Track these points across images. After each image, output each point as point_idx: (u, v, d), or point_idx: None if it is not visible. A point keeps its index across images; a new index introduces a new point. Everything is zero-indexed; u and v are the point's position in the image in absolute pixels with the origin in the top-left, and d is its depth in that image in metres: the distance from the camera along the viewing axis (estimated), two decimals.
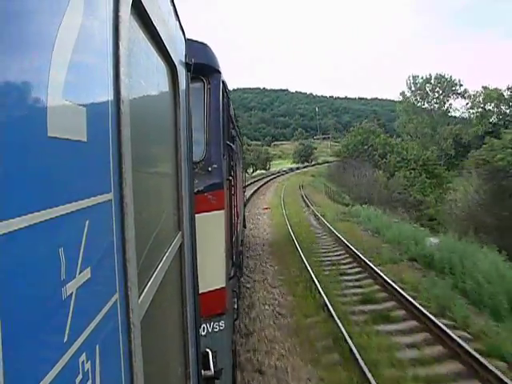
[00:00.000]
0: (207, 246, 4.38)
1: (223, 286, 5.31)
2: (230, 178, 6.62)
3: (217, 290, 5.19)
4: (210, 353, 3.78)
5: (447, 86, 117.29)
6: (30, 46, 0.80)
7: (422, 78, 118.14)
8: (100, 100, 1.21)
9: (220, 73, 5.62)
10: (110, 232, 1.23)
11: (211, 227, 5.03)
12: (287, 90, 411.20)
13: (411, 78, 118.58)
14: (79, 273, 0.96)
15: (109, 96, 1.26)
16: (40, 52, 0.84)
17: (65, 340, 0.88)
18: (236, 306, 7.28)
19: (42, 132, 0.83)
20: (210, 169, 5.23)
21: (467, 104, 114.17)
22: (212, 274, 5.02)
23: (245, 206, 21.41)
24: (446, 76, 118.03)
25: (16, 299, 0.71)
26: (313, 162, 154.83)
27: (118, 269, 1.27)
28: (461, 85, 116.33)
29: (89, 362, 1.00)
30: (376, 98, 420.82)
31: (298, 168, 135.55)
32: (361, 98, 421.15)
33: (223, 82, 5.86)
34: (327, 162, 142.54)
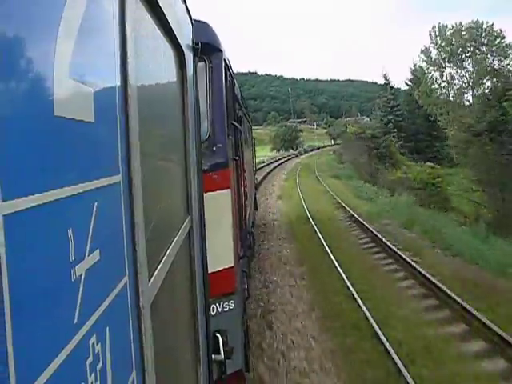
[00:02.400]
0: (214, 226, 4.38)
1: (232, 265, 5.32)
2: (237, 157, 6.60)
3: (226, 269, 5.20)
4: (219, 336, 3.81)
5: (489, 39, 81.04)
6: (36, 26, 0.79)
7: (453, 26, 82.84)
8: (107, 81, 1.20)
9: (222, 52, 5.58)
10: (119, 214, 1.23)
11: (217, 206, 5.02)
12: (256, 72, 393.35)
13: (436, 30, 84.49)
14: (88, 254, 0.97)
15: (116, 77, 1.26)
16: (46, 31, 0.83)
17: (75, 322, 0.89)
18: (246, 286, 7.31)
19: (49, 111, 0.82)
20: (214, 148, 5.21)
21: None
22: (220, 254, 5.03)
23: (256, 188, 21.42)
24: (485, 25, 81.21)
25: (25, 280, 0.71)
26: (299, 149, 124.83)
27: (128, 251, 1.27)
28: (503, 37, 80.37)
29: (99, 344, 1.01)
30: (349, 80, 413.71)
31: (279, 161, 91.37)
32: (332, 80, 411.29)
33: (226, 61, 5.82)
34: (325, 147, 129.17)
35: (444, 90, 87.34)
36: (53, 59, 0.83)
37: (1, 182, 0.65)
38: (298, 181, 45.47)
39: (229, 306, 5.25)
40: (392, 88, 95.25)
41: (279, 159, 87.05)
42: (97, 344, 0.99)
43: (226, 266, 5.22)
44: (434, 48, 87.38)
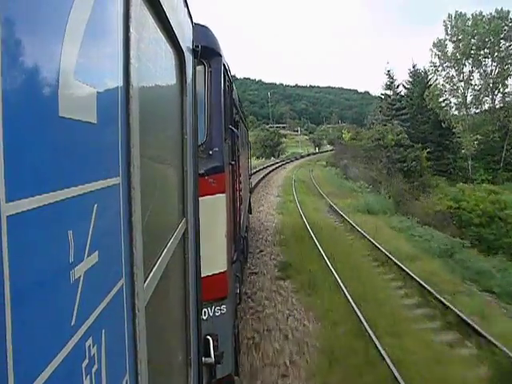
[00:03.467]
0: (208, 230, 4.36)
1: (225, 269, 5.31)
2: (233, 162, 6.60)
3: (218, 273, 5.19)
4: (210, 340, 3.80)
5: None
6: (42, 28, 0.79)
7: (473, 16, 70.31)
8: (110, 83, 1.21)
9: (221, 56, 5.59)
10: (118, 216, 1.23)
11: (212, 211, 5.02)
12: (234, 76, 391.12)
13: (453, 19, 71.78)
14: (87, 256, 0.96)
15: (119, 79, 1.26)
16: (52, 33, 0.84)
17: (72, 323, 0.88)
18: (238, 291, 7.30)
19: (54, 111, 0.82)
20: (210, 152, 5.21)
21: None
22: (213, 258, 5.02)
23: (251, 192, 21.36)
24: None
25: (25, 281, 0.71)
26: (282, 156, 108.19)
27: (125, 253, 1.27)
28: None
29: (95, 346, 1.00)
30: (329, 87, 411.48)
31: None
32: (312, 86, 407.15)
33: (225, 66, 5.83)
34: (309, 155, 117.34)
35: (461, 90, 73.16)
36: (59, 61, 0.83)
37: (5, 183, 0.65)
38: (309, 226, 21.85)
39: (220, 310, 5.24)
40: (397, 87, 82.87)
41: (259, 170, 56.83)
42: (93, 346, 0.99)
43: (219, 271, 5.21)
44: (449, 41, 72.85)
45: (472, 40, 69.91)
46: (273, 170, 65.67)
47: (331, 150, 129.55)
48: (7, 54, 0.66)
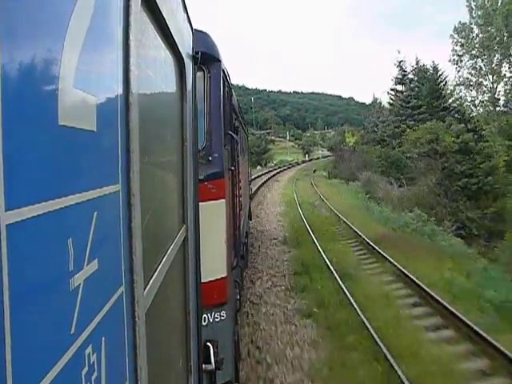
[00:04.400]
0: (208, 236, 4.35)
1: (225, 275, 5.30)
2: (233, 168, 6.61)
3: (218, 279, 5.18)
4: (210, 346, 3.79)
5: None
6: (42, 36, 0.80)
7: None
8: (110, 90, 1.21)
9: (220, 62, 5.59)
10: (117, 224, 1.23)
11: (212, 216, 5.01)
12: None
13: None
14: (87, 264, 0.96)
15: (118, 87, 1.26)
16: (52, 42, 0.84)
17: (72, 332, 0.88)
18: (239, 297, 7.29)
19: (53, 120, 0.82)
20: (210, 158, 5.21)
21: None
22: (213, 264, 5.01)
23: (251, 198, 21.35)
24: None
25: (25, 289, 0.71)
26: (270, 164, 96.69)
27: (125, 261, 1.27)
28: None
29: (94, 354, 1.00)
30: (313, 92, 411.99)
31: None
32: (296, 92, 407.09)
33: (224, 71, 5.84)
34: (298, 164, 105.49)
35: (489, 84, 58.69)
36: (59, 69, 0.84)
37: (4, 192, 0.65)
38: None
39: (220, 316, 5.23)
40: (411, 82, 65.92)
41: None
42: (92, 354, 0.99)
43: (219, 277, 5.20)
44: (474, 25, 59.18)
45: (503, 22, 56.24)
46: (263, 183, 48.30)
47: (326, 157, 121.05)
48: (7, 62, 0.66)
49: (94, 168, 1.07)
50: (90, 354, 0.97)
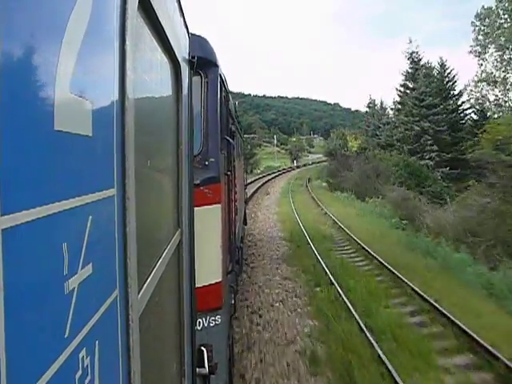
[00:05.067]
0: (203, 240, 4.35)
1: (219, 280, 5.31)
2: (229, 172, 6.61)
3: (213, 284, 5.18)
4: (204, 350, 3.79)
5: None
6: (38, 40, 0.80)
7: None
8: (106, 95, 1.21)
9: (218, 66, 5.61)
10: (113, 228, 1.23)
11: (207, 221, 5.01)
12: None
13: None
14: (81, 268, 0.96)
15: (114, 91, 1.26)
16: (48, 46, 0.84)
17: (66, 335, 0.88)
18: (233, 302, 7.28)
19: (49, 125, 0.83)
20: (206, 163, 5.22)
21: None
22: (208, 268, 5.01)
23: (246, 203, 21.25)
24: None
25: (19, 293, 0.71)
26: (256, 171, 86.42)
27: (119, 265, 1.27)
28: None
29: (88, 357, 1.00)
30: (297, 97, 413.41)
31: None
32: (281, 97, 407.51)
33: (221, 76, 5.85)
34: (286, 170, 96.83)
35: None
36: (54, 74, 0.84)
37: (0, 197, 0.65)
38: None
39: (215, 321, 5.22)
40: (425, 77, 57.78)
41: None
42: (86, 358, 0.99)
43: (214, 281, 5.20)
44: (501, 9, 47.44)
45: None
46: (249, 197, 35.65)
47: (317, 163, 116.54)
48: (3, 66, 0.67)
49: (90, 173, 1.07)
50: (83, 357, 0.97)
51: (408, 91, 62.23)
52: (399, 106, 64.50)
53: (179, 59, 2.59)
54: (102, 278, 1.14)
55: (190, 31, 3.35)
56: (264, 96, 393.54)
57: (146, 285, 1.69)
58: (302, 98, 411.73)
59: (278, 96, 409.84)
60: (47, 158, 0.83)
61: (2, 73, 0.66)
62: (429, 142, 54.01)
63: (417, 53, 62.45)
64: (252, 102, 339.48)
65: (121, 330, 1.29)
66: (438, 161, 52.80)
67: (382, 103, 79.57)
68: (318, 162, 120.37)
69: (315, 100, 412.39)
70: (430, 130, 53.93)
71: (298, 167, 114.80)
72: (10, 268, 0.67)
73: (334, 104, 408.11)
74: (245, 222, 18.44)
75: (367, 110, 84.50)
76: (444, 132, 54.17)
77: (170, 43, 2.21)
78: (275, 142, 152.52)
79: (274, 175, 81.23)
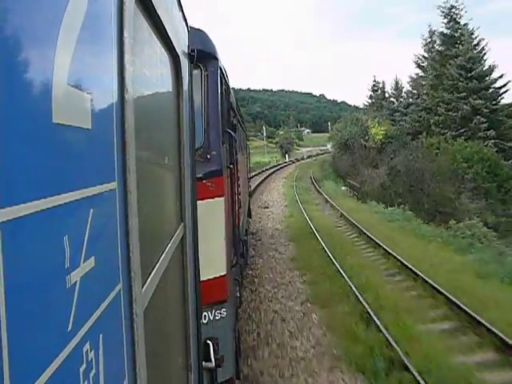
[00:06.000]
0: (207, 234, 4.35)
1: (224, 273, 5.32)
2: (231, 165, 6.61)
3: (218, 277, 5.19)
4: (210, 344, 3.80)
5: None
6: (35, 33, 0.79)
7: None
8: (105, 88, 1.21)
9: (217, 59, 5.60)
10: (114, 221, 1.23)
11: (211, 214, 5.01)
12: None
13: None
14: (83, 261, 0.96)
15: (113, 84, 1.26)
16: (45, 38, 0.84)
17: (69, 329, 0.88)
18: (238, 295, 7.30)
19: (47, 118, 0.82)
20: (208, 156, 5.22)
21: None
22: (213, 262, 5.02)
23: (250, 196, 21.28)
24: None
25: (21, 287, 0.71)
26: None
27: (122, 258, 1.27)
28: None
29: (92, 351, 1.00)
30: (282, 90, 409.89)
31: None
32: (265, 90, 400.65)
33: (221, 69, 5.84)
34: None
35: None
36: (52, 66, 0.83)
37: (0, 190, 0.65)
38: None
39: (220, 314, 5.24)
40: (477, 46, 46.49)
41: None
42: (90, 351, 0.99)
43: (219, 274, 5.21)
44: None
45: None
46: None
47: (316, 156, 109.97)
48: (1, 61, 0.66)
49: (90, 166, 1.07)
50: (87, 351, 0.97)
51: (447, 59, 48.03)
52: (434, 81, 50.21)
53: (179, 52, 2.58)
54: (105, 272, 1.14)
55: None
56: (248, 89, 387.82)
57: (149, 279, 1.70)
58: (287, 91, 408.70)
59: (263, 89, 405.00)
60: (46, 151, 0.82)
61: None
62: (482, 126, 40.56)
63: (457, 8, 50.53)
64: (237, 95, 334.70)
65: (125, 323, 1.29)
66: (496, 151, 39.11)
67: (397, 83, 68.33)
68: (313, 156, 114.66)
69: (300, 92, 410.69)
70: (484, 110, 39.48)
71: (296, 160, 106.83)
72: (11, 262, 0.67)
73: (320, 95, 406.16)
74: (249, 215, 18.45)
75: (371, 93, 75.57)
76: (504, 111, 40.14)
77: (169, 36, 2.20)
78: (264, 134, 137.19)
79: (266, 174, 62.58)
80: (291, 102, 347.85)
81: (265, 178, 54.82)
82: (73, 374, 0.90)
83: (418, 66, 59.61)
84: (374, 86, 75.53)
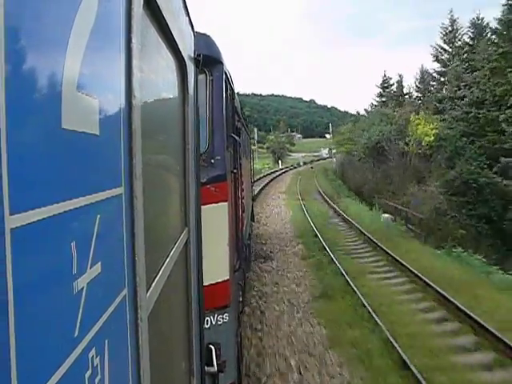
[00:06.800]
0: (211, 238, 4.34)
1: (227, 278, 5.30)
2: (235, 170, 6.60)
3: (221, 282, 5.18)
4: (213, 349, 3.79)
5: None
6: (45, 40, 0.80)
7: None
8: (112, 94, 1.21)
9: (223, 64, 5.60)
10: (120, 227, 1.23)
11: (214, 219, 5.00)
12: None
13: None
14: (90, 267, 0.96)
15: (121, 90, 1.26)
16: (55, 45, 0.84)
17: (75, 335, 0.88)
18: (241, 299, 7.28)
19: (56, 124, 0.83)
20: (212, 161, 5.21)
21: None
22: (216, 267, 5.01)
23: (253, 200, 21.29)
24: None
25: (28, 293, 0.71)
26: None
27: (128, 264, 1.27)
28: None
29: (98, 357, 1.00)
30: (272, 94, 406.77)
31: None
32: (255, 94, 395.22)
33: (226, 74, 5.84)
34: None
35: None
36: (61, 73, 0.84)
37: (9, 196, 0.65)
38: None
39: (223, 318, 5.22)
40: None
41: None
42: (96, 357, 0.99)
43: (222, 279, 5.20)
44: None
45: None
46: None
47: (310, 163, 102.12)
48: (10, 66, 0.67)
49: (97, 171, 1.07)
50: (93, 356, 0.97)
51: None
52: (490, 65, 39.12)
53: (185, 57, 2.59)
54: (111, 277, 1.14)
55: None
56: (238, 93, 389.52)
57: (154, 284, 1.70)
58: (276, 95, 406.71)
59: (252, 93, 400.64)
60: (55, 157, 0.83)
61: (9, 72, 0.66)
62: None
63: None
64: None
65: (130, 329, 1.29)
66: None
67: (423, 74, 56.04)
68: (308, 163, 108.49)
69: (290, 97, 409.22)
70: None
71: (293, 167, 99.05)
72: (19, 267, 0.67)
73: (310, 101, 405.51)
74: (252, 219, 18.44)
75: (381, 91, 65.64)
76: None
77: (175, 42, 2.21)
78: (256, 138, 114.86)
79: (260, 185, 46.25)
80: (281, 107, 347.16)
81: (258, 193, 38.66)
82: (79, 380, 0.90)
83: (437, 59, 52.33)
84: (384, 81, 66.03)
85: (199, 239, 3.13)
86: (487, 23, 48.89)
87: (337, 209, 31.39)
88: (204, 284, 3.28)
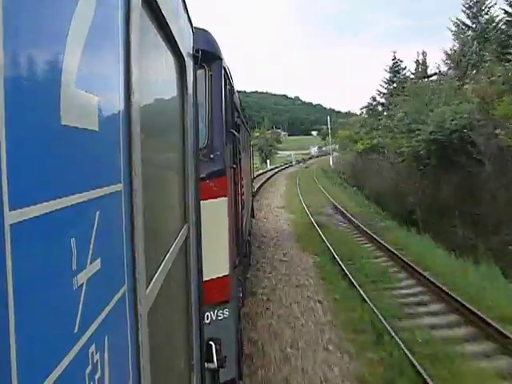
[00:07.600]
0: (210, 234, 4.33)
1: (227, 273, 5.31)
2: (234, 165, 6.60)
3: (221, 277, 5.19)
4: (213, 345, 3.80)
5: None
6: (43, 37, 0.80)
7: None
8: (111, 90, 1.21)
9: (222, 59, 5.59)
10: (120, 223, 1.23)
11: (214, 214, 4.99)
12: None
13: None
14: (90, 263, 0.97)
15: (120, 86, 1.26)
16: (54, 42, 0.84)
17: (75, 331, 0.89)
18: (241, 295, 7.29)
19: (56, 120, 0.83)
20: (212, 156, 5.21)
21: None
22: (216, 262, 5.01)
23: (253, 196, 21.25)
24: None
25: (28, 289, 0.71)
26: None
27: (127, 260, 1.27)
28: None
29: (98, 353, 1.01)
30: (256, 92, 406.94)
31: None
32: (238, 91, 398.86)
33: (225, 69, 5.83)
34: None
35: None
36: (60, 70, 0.84)
37: (8, 192, 0.65)
38: None
39: (223, 314, 5.23)
40: None
41: None
42: (96, 353, 0.99)
43: (221, 275, 5.20)
44: None
45: None
46: None
47: (301, 161, 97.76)
48: (9, 63, 0.67)
49: (97, 167, 1.07)
50: (93, 352, 0.97)
51: None
52: None
53: (184, 54, 2.58)
54: (111, 273, 1.15)
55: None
56: None
57: (153, 280, 1.70)
58: (260, 92, 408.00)
59: (236, 90, 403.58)
60: (54, 153, 0.83)
61: (9, 69, 0.66)
62: None
63: None
64: None
65: (130, 325, 1.29)
66: None
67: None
68: (300, 161, 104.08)
69: (274, 94, 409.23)
70: None
71: (292, 165, 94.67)
72: (18, 263, 0.67)
73: (295, 98, 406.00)
74: (252, 215, 18.43)
75: (389, 76, 49.76)
76: None
77: (174, 38, 2.21)
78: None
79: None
80: (266, 104, 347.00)
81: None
82: (79, 376, 0.91)
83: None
84: (394, 64, 51.06)
85: (199, 235, 3.13)
86: None
87: (401, 257, 15.14)
88: (204, 279, 3.28)
